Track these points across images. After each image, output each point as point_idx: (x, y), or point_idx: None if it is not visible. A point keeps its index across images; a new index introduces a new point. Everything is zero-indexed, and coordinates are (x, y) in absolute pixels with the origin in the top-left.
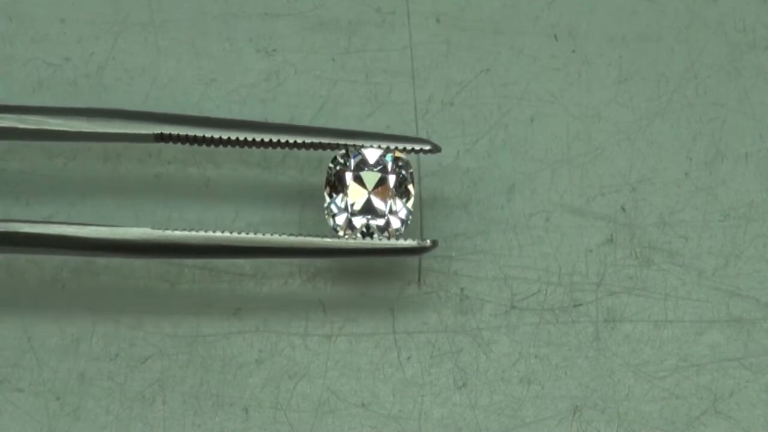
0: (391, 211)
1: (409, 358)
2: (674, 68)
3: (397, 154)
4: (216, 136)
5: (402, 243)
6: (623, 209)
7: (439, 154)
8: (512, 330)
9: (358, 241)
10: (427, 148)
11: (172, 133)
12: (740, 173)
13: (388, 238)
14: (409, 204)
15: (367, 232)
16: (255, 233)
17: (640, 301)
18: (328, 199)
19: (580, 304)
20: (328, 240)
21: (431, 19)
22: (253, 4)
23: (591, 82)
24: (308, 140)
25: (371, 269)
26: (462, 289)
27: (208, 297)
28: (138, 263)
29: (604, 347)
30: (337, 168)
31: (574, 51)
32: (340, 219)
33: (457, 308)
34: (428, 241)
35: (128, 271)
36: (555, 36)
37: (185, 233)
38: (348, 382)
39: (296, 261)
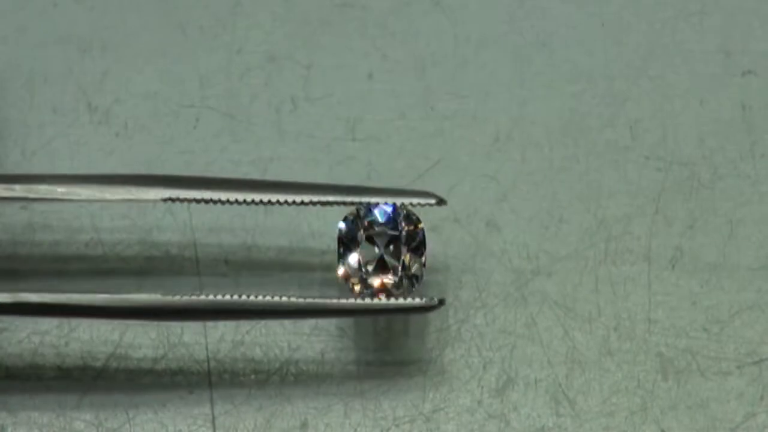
0: (404, 268)
1: None
2: (462, 298)
3: (408, 209)
4: (224, 197)
5: (409, 302)
6: None
7: None
8: None
9: (366, 301)
10: (433, 201)
11: (180, 197)
12: (531, 399)
13: (404, 297)
14: (422, 259)
15: (381, 290)
16: (262, 296)
17: None
18: (339, 257)
19: None
20: (335, 301)
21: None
22: None
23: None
24: (315, 199)
25: None
26: None
27: None
28: None
29: None
30: (348, 227)
31: None
32: (353, 277)
33: None
34: (435, 299)
35: None
36: None
37: (193, 298)
38: None
39: None
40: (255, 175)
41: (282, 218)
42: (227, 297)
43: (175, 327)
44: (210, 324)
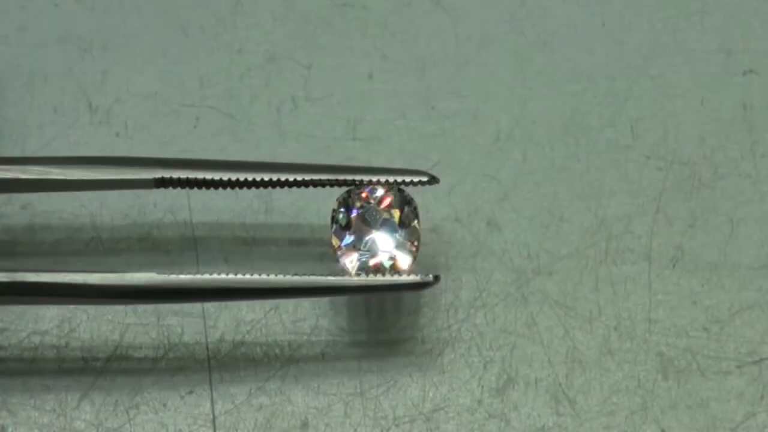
0: (398, 247)
1: None
2: (463, 297)
3: (402, 189)
4: (216, 177)
5: (404, 279)
6: None
7: None
8: None
9: (361, 278)
10: (425, 179)
11: (172, 177)
12: (531, 398)
13: (400, 274)
14: (416, 239)
15: (376, 269)
16: (258, 274)
17: None
18: (334, 239)
19: None
20: (332, 278)
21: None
22: None
23: (382, 315)
24: (308, 178)
25: None
26: None
27: None
28: None
29: None
30: (342, 207)
31: None
32: (348, 258)
33: None
34: (431, 276)
35: None
36: None
37: (190, 277)
38: None
39: None
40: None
41: (282, 217)
42: (223, 275)
43: (176, 326)
44: (210, 323)
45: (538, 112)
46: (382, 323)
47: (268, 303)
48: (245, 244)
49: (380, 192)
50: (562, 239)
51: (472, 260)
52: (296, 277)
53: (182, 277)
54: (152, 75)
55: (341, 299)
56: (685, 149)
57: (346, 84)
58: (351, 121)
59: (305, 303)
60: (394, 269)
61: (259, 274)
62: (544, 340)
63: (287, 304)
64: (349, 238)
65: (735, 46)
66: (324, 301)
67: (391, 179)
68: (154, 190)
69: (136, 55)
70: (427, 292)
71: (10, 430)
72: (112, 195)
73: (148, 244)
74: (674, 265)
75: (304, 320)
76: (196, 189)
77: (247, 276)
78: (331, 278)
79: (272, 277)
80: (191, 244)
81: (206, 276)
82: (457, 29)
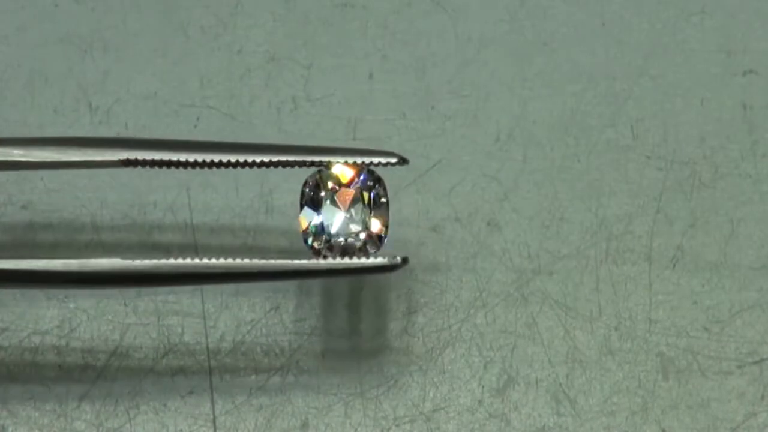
0: (367, 229)
1: None
2: (463, 297)
3: (372, 169)
4: (183, 158)
5: (372, 261)
6: None
7: None
8: None
9: (328, 261)
10: (394, 160)
11: (138, 158)
12: (531, 398)
13: (367, 256)
14: (386, 220)
15: (345, 251)
16: (224, 259)
17: None
18: (303, 220)
19: None
20: (297, 262)
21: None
22: None
23: (383, 315)
24: (275, 158)
25: None
26: None
27: None
28: None
29: None
30: (311, 188)
31: None
32: (317, 240)
33: None
34: (398, 258)
35: None
36: None
37: (154, 262)
38: None
39: None
40: (256, 175)
41: (282, 218)
42: (188, 260)
43: (176, 327)
44: (210, 324)
45: (538, 112)
46: (383, 323)
47: (269, 303)
48: (245, 244)
49: (350, 172)
50: (562, 239)
51: (472, 260)
52: (261, 261)
53: (146, 262)
54: (152, 75)
55: (341, 298)
56: (685, 149)
57: (346, 84)
58: (351, 121)
59: (305, 303)
60: (362, 251)
61: (225, 259)
62: (545, 340)
63: (287, 304)
64: (317, 219)
65: (735, 46)
66: (324, 300)
67: (359, 160)
68: (154, 187)
69: (136, 55)
70: (427, 292)
71: (10, 430)
72: (112, 195)
73: (148, 245)
74: (674, 265)
75: (304, 320)
76: (165, 168)
77: (213, 261)
78: (297, 261)
79: (237, 261)
80: (191, 245)
81: (171, 261)
82: (457, 29)
